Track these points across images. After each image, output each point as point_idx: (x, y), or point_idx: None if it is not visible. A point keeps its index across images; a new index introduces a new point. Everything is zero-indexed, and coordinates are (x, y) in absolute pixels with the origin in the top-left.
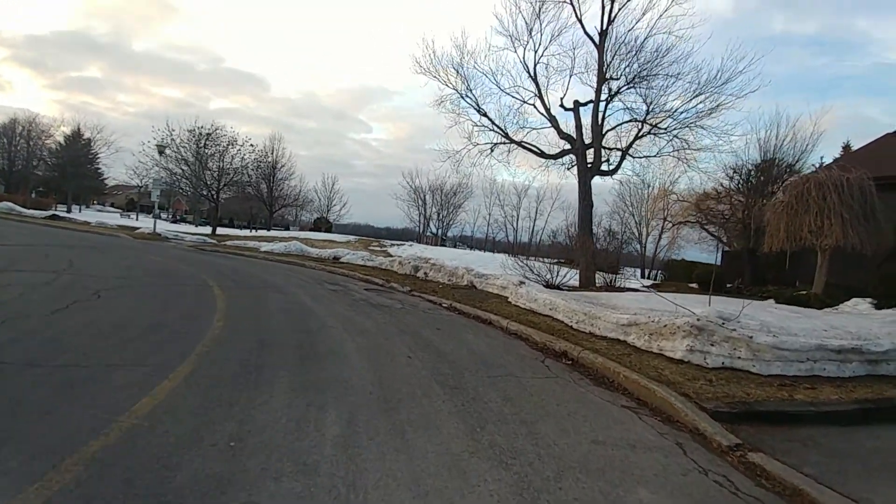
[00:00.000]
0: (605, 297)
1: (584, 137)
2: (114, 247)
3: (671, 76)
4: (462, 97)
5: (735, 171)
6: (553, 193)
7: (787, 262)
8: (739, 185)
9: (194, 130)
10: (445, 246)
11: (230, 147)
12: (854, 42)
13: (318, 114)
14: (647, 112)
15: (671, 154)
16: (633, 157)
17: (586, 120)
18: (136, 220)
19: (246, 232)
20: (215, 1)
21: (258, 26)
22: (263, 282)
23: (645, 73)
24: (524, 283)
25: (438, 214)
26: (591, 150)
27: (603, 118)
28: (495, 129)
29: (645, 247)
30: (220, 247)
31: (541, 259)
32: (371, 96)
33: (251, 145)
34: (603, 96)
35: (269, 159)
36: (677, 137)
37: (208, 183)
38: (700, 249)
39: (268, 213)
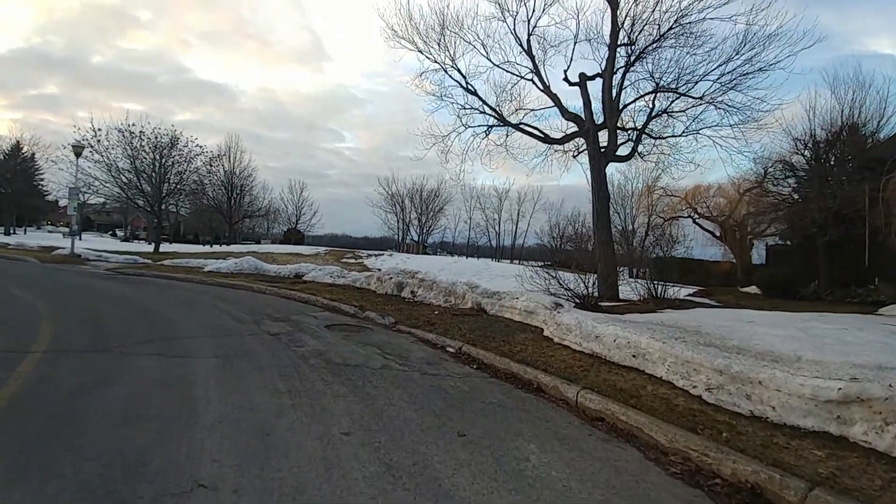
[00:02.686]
0: (695, 322)
1: (594, 117)
2: None
3: (701, 35)
4: (446, 71)
5: (803, 144)
6: (534, 194)
7: (868, 257)
8: (811, 161)
9: (124, 130)
10: (427, 254)
11: (171, 149)
12: None
13: (288, 124)
14: (679, 77)
15: (699, 132)
16: (654, 138)
17: (596, 96)
18: (80, 239)
19: (204, 248)
20: (175, 8)
21: (220, 33)
22: (150, 328)
23: (673, 28)
24: (561, 305)
25: (419, 220)
26: (604, 133)
27: (619, 91)
28: (487, 110)
29: (631, 244)
30: (151, 268)
31: (524, 262)
32: (341, 105)
33: (199, 146)
34: (618, 64)
35: (225, 165)
36: (715, 106)
37: (145, 191)
38: (699, 245)
39: (228, 226)
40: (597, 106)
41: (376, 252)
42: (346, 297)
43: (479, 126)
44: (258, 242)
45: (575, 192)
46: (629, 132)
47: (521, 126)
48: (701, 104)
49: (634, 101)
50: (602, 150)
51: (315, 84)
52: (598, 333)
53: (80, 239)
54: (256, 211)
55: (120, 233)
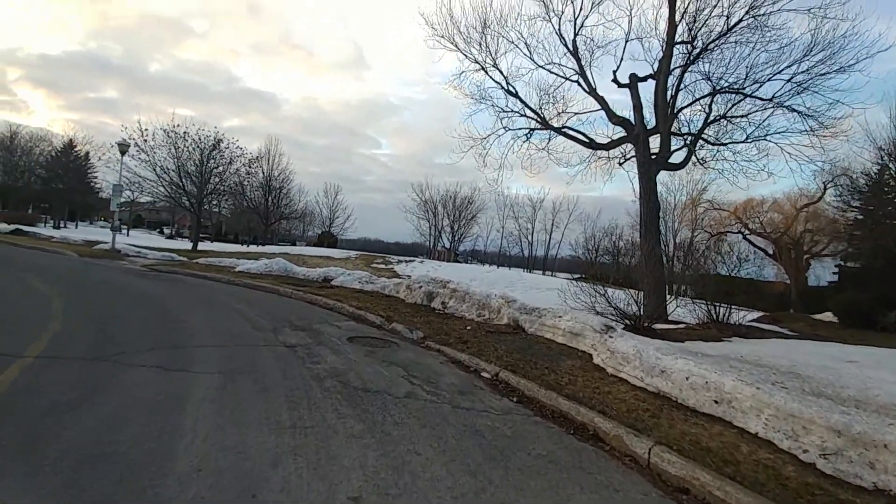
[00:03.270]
0: (785, 360)
1: (644, 121)
2: (27, 267)
3: (772, 29)
4: (486, 72)
5: (888, 153)
6: (570, 204)
7: None
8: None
9: (169, 131)
10: (459, 262)
11: (214, 151)
12: None
13: (328, 130)
14: (746, 77)
15: (766, 138)
16: (713, 144)
17: (647, 99)
18: (127, 235)
19: (241, 248)
20: (227, 20)
21: (267, 44)
22: (160, 332)
23: (743, 20)
24: (612, 328)
25: (452, 227)
26: (654, 139)
27: (676, 93)
28: (528, 113)
29: (672, 260)
30: (184, 266)
31: (556, 274)
32: (378, 111)
33: (239, 148)
34: (675, 64)
35: (264, 167)
36: (789, 109)
37: (187, 190)
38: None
39: (264, 227)
40: (647, 110)
41: (407, 258)
42: (374, 305)
43: (519, 129)
44: (293, 244)
45: (612, 203)
46: (684, 137)
47: (565, 130)
48: (768, 107)
49: (692, 103)
50: (653, 156)
51: (355, 92)
52: (664, 367)
53: (128, 235)
54: (292, 213)
55: (167, 230)
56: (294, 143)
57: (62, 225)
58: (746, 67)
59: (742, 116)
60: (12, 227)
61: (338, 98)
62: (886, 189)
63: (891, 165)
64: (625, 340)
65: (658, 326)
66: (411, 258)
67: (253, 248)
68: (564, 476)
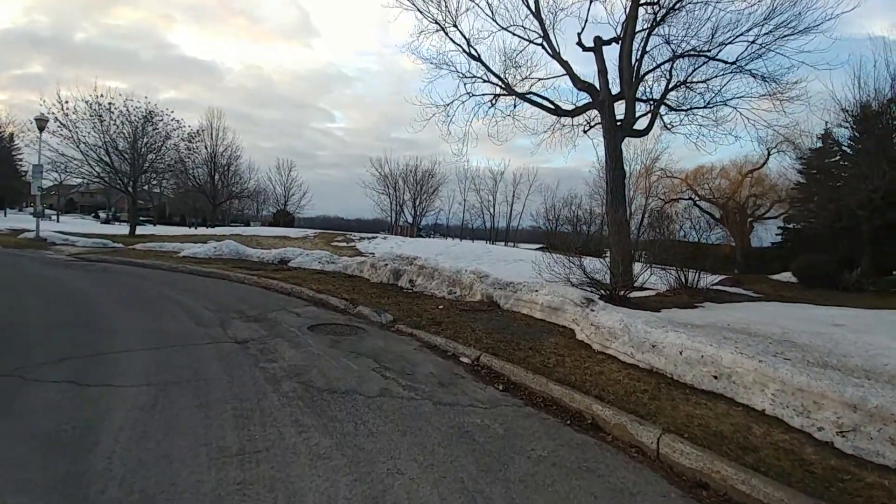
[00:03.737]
0: (776, 326)
1: (609, 87)
2: None
3: None
4: (446, 33)
5: (851, 115)
6: (529, 176)
7: None
8: (858, 134)
9: (92, 103)
10: (422, 236)
11: (146, 125)
12: None
13: (277, 102)
14: (711, 39)
15: (726, 103)
16: (675, 110)
17: (612, 63)
18: (57, 221)
19: (188, 231)
20: None
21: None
22: (79, 336)
23: None
24: (593, 300)
25: (414, 202)
26: (619, 104)
27: (641, 57)
28: (492, 79)
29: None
30: (118, 253)
31: (519, 245)
32: (330, 82)
33: (176, 121)
34: (640, 27)
35: (207, 142)
36: (752, 74)
37: (118, 169)
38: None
39: (211, 208)
40: (611, 76)
41: (369, 235)
42: (336, 287)
43: (483, 95)
44: (247, 225)
45: (570, 174)
46: (648, 103)
47: (529, 96)
48: (727, 72)
49: (657, 67)
50: (618, 123)
51: (304, 61)
52: (654, 341)
53: (58, 221)
54: (242, 191)
55: (103, 214)
56: (241, 116)
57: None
58: (711, 29)
59: (702, 82)
60: None
61: (286, 68)
62: (830, 152)
63: (853, 125)
64: (608, 314)
65: (635, 296)
66: (373, 235)
67: (201, 231)
68: (574, 483)
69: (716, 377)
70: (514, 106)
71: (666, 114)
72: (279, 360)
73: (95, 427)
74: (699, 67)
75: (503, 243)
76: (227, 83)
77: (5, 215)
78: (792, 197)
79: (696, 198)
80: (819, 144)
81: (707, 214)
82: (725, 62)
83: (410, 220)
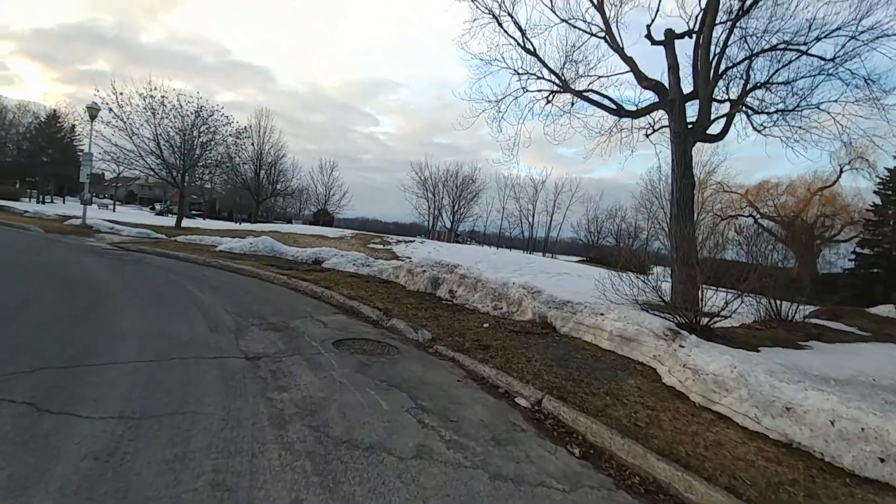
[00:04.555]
0: None
1: (680, 85)
2: None
3: None
4: (500, 24)
5: None
6: (572, 185)
7: None
8: None
9: (146, 96)
10: (459, 242)
11: (196, 119)
12: None
13: (325, 106)
14: (808, 29)
15: (819, 107)
16: (757, 113)
17: (685, 59)
18: (114, 211)
19: (232, 225)
20: None
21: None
22: (70, 337)
23: None
24: (679, 333)
25: (453, 207)
26: (691, 105)
27: (721, 52)
28: (546, 75)
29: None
30: (158, 244)
31: (557, 256)
32: (377, 88)
33: (225, 116)
34: (720, 18)
35: (254, 140)
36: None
37: (167, 162)
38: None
39: (255, 204)
40: (683, 73)
41: (407, 238)
42: (369, 293)
43: (539, 91)
44: (289, 222)
45: (614, 185)
46: (728, 104)
47: (589, 94)
48: (813, 74)
49: (744, 60)
50: (689, 126)
51: (352, 66)
52: (788, 403)
53: (114, 211)
54: (284, 189)
55: (158, 206)
56: (289, 119)
57: (46, 200)
58: (804, 22)
59: (784, 83)
60: None
61: (335, 73)
62: None
63: None
64: (707, 353)
65: (719, 326)
66: (411, 238)
67: (244, 226)
68: None
69: (882, 460)
70: (572, 104)
71: (746, 116)
72: (292, 387)
73: (22, 485)
74: (784, 67)
75: (541, 253)
76: (279, 86)
77: (63, 202)
78: (867, 219)
79: (758, 215)
80: None
81: (771, 234)
82: (823, 59)
83: (448, 225)
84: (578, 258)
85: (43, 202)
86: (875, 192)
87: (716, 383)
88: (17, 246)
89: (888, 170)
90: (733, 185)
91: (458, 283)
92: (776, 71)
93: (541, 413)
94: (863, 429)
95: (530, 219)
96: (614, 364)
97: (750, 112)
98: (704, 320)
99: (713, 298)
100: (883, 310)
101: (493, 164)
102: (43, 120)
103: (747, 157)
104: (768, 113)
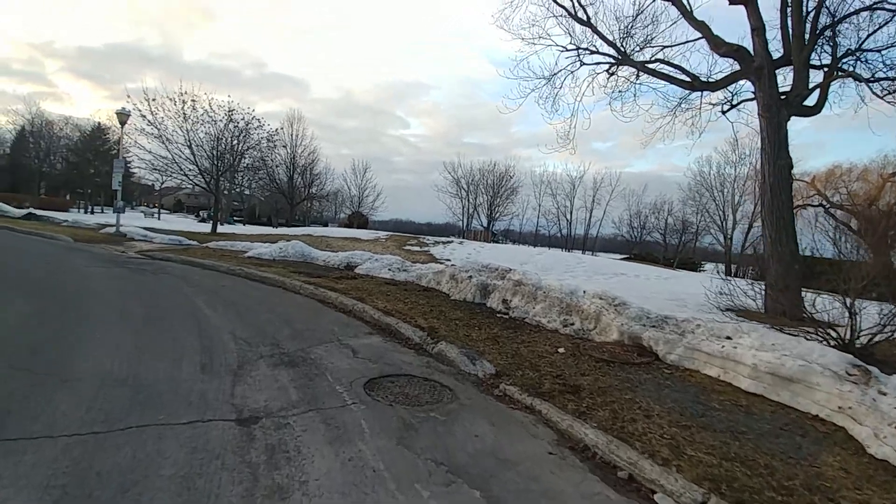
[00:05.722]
0: None
1: (768, 49)
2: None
3: None
4: None
5: None
6: (612, 180)
7: None
8: None
9: (176, 101)
10: (497, 242)
11: (228, 122)
12: None
13: (357, 111)
14: None
15: None
16: (864, 81)
17: (771, 20)
18: (159, 219)
19: (268, 230)
20: (252, 5)
21: (294, 27)
22: (22, 377)
23: None
24: (867, 370)
25: (490, 204)
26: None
27: (819, 6)
28: (603, 48)
29: (731, 238)
30: (188, 252)
31: (598, 253)
32: (407, 91)
33: (258, 120)
34: None
35: (285, 141)
36: None
37: (201, 167)
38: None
39: (289, 208)
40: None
41: (444, 239)
42: (409, 306)
43: (598, 63)
44: (325, 225)
45: (655, 178)
46: (822, 70)
47: (655, 65)
48: None
49: (851, 15)
50: (783, 96)
51: (383, 72)
52: None
53: (159, 219)
54: (318, 192)
55: (203, 213)
56: (325, 126)
57: (95, 210)
58: None
59: (876, 50)
60: (25, 211)
61: (366, 78)
62: None
63: None
64: None
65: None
66: (448, 239)
67: (280, 230)
68: None
69: None
70: (638, 76)
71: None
72: (295, 487)
73: None
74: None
75: (580, 251)
76: (313, 94)
77: (102, 211)
78: None
79: (827, 204)
80: None
81: (843, 225)
82: None
83: (483, 224)
84: (622, 255)
85: (92, 212)
86: None
87: None
88: (33, 254)
89: None
90: (798, 172)
91: (512, 291)
92: (865, 38)
93: None
94: None
95: (568, 216)
96: (779, 422)
97: (862, 78)
98: (867, 339)
99: (818, 303)
100: None
101: (526, 160)
102: (88, 133)
103: (796, 145)
104: (876, 80)
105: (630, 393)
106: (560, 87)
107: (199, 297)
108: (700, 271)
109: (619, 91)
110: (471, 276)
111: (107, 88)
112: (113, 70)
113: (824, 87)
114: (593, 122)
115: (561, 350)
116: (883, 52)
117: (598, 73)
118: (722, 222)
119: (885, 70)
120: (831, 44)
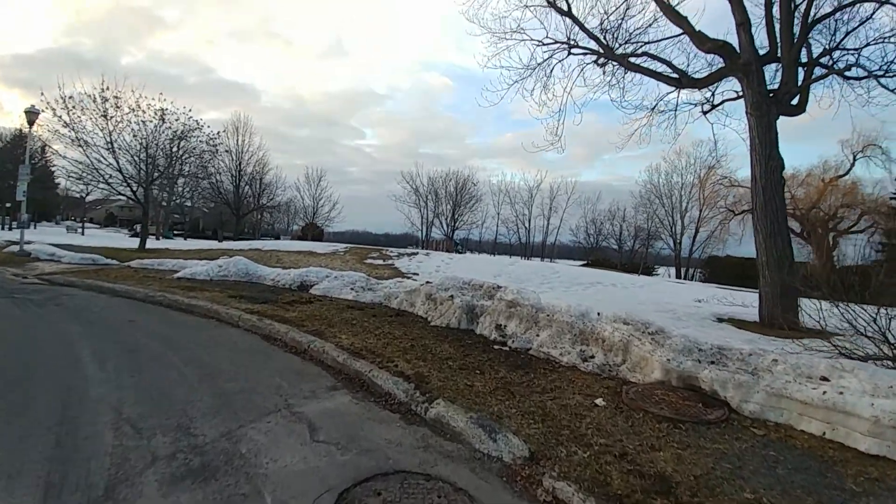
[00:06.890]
0: None
1: (755, 46)
2: None
3: None
4: None
5: None
6: (567, 188)
7: None
8: None
9: (96, 98)
10: (459, 251)
11: (161, 123)
12: None
13: (310, 121)
14: None
15: None
16: (851, 79)
17: (756, 17)
18: (82, 234)
19: (211, 244)
20: (200, 10)
21: (243, 33)
22: None
23: None
24: None
25: (453, 213)
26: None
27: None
28: (584, 43)
29: (680, 243)
30: (101, 273)
31: (552, 259)
32: (361, 101)
33: (195, 121)
34: None
35: (229, 147)
36: None
37: (124, 173)
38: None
39: (234, 219)
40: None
41: (408, 251)
42: (382, 340)
43: (585, 54)
44: (277, 238)
45: (605, 187)
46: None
47: (639, 59)
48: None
49: (834, 12)
50: (771, 94)
51: (336, 80)
52: None
53: (83, 234)
54: (269, 203)
55: (138, 227)
56: (276, 134)
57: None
58: None
59: (854, 50)
60: None
61: (318, 87)
62: None
63: None
64: None
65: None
66: (413, 250)
67: (225, 245)
68: None
69: None
70: (624, 74)
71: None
72: None
73: None
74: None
75: (538, 258)
76: (264, 103)
77: (34, 227)
78: (890, 207)
79: None
80: None
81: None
82: None
83: (442, 234)
84: (580, 262)
85: (11, 228)
86: None
87: None
88: None
89: None
90: (742, 178)
91: (506, 314)
92: (843, 38)
93: None
94: None
95: (526, 224)
96: None
97: (846, 76)
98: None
99: (820, 310)
100: None
101: (481, 171)
102: (8, 140)
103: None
104: (859, 78)
105: (740, 481)
106: (550, 73)
107: (88, 341)
108: (654, 275)
109: (607, 83)
110: (452, 297)
111: (37, 96)
112: (46, 78)
113: (805, 87)
114: (542, 133)
115: (600, 402)
116: (859, 52)
117: (586, 64)
118: (671, 227)
119: (881, 65)
120: (826, 38)
